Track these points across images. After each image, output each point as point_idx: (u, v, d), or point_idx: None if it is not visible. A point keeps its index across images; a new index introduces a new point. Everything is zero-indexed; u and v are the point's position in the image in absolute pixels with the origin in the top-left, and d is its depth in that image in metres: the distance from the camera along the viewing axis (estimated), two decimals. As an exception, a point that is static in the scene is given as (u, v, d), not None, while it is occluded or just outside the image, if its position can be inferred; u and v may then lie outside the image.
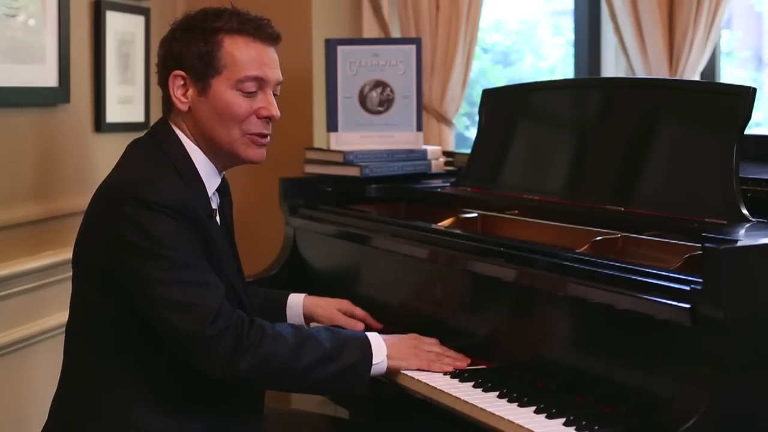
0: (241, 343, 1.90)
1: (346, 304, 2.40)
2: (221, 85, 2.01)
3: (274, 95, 2.07)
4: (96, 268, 1.97)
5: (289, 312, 2.37)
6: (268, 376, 1.94)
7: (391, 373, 2.07)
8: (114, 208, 1.93)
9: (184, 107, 2.03)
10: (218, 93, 2.01)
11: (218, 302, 1.91)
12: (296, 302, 2.38)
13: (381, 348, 2.04)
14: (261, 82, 2.03)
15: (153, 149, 2.03)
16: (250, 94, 2.02)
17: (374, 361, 2.02)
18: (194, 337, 1.88)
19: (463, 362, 2.10)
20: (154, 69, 2.83)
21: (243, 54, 2.01)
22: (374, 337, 2.06)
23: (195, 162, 2.03)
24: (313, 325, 2.37)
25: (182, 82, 2.02)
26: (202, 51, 2.00)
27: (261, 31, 2.03)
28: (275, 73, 2.06)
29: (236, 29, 2.01)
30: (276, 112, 2.05)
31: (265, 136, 2.06)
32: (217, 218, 2.09)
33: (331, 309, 2.36)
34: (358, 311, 2.39)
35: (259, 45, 2.03)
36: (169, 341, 1.93)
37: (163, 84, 2.06)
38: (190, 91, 2.02)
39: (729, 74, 3.98)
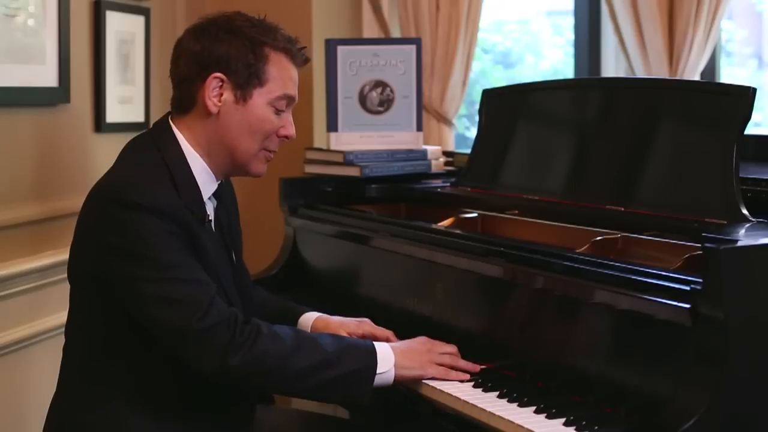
0: (233, 339, 1.86)
1: (367, 326, 2.22)
2: (261, 97, 2.01)
3: None
4: (86, 270, 1.97)
5: None
6: (262, 375, 1.90)
7: (406, 382, 2.00)
8: (100, 210, 1.93)
9: (215, 110, 1.99)
10: (256, 105, 2.01)
11: (209, 298, 1.88)
12: (305, 325, 2.25)
13: (388, 357, 1.97)
14: (290, 101, 2.06)
15: (149, 150, 1.99)
16: (279, 112, 2.04)
17: (379, 371, 1.95)
18: (183, 332, 1.86)
19: (475, 369, 2.04)
20: (154, 69, 2.83)
21: (284, 73, 2.03)
22: (381, 346, 1.99)
23: (192, 166, 2.00)
24: None
25: (220, 84, 1.99)
26: (250, 60, 1.99)
27: (300, 54, 2.07)
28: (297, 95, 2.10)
29: (282, 48, 2.03)
30: (294, 132, 2.09)
31: (273, 152, 2.09)
32: (212, 225, 2.05)
33: (340, 332, 2.17)
34: (380, 332, 2.21)
35: (293, 67, 2.06)
36: (159, 339, 1.91)
37: (188, 81, 2.01)
38: (225, 96, 1.99)
39: (729, 74, 3.97)
